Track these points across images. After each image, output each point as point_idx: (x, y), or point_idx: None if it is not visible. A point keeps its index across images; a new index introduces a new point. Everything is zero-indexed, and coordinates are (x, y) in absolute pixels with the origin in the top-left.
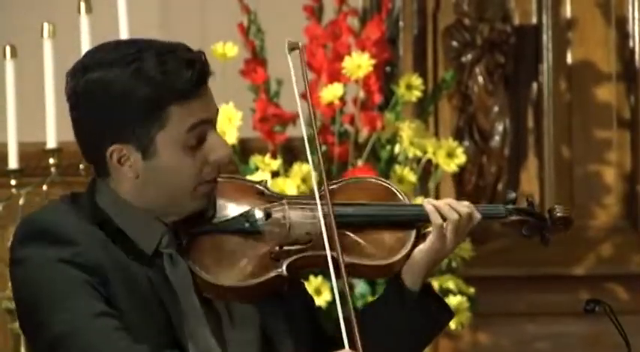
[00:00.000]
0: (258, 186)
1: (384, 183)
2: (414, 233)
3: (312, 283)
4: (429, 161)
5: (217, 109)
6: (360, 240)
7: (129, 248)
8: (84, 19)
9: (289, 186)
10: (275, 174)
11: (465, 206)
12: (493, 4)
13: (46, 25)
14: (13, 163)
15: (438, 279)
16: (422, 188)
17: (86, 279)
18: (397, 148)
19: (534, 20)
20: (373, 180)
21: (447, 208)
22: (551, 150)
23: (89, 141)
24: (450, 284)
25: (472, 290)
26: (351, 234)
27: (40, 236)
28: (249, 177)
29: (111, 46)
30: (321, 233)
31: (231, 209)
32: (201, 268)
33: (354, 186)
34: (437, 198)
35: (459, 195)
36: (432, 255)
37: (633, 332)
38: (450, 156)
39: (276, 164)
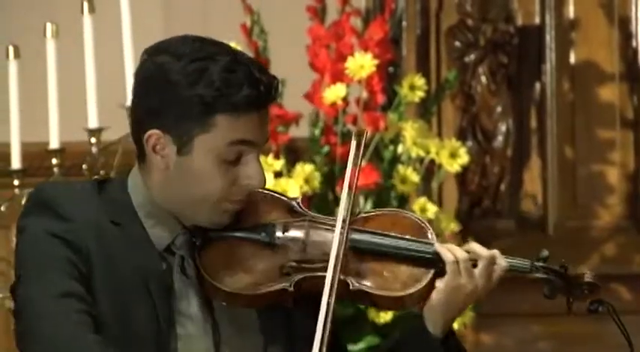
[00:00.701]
0: (289, 201)
1: (418, 220)
2: (431, 272)
3: None
4: (432, 161)
5: (267, 138)
6: (375, 269)
7: (137, 237)
8: (87, 19)
9: (292, 186)
10: (278, 175)
11: (485, 249)
12: (496, 4)
13: (48, 25)
14: (15, 163)
15: None
16: (425, 188)
17: (68, 257)
18: (400, 148)
19: (537, 20)
20: (406, 214)
21: (458, 248)
22: (555, 150)
23: (136, 120)
24: None
25: None
26: (367, 262)
27: (41, 207)
28: None
29: (191, 39)
30: (337, 255)
31: (254, 219)
32: (209, 270)
33: (386, 217)
34: (440, 197)
35: (462, 195)
36: (449, 294)
37: (636, 332)
38: (453, 157)
39: (279, 164)
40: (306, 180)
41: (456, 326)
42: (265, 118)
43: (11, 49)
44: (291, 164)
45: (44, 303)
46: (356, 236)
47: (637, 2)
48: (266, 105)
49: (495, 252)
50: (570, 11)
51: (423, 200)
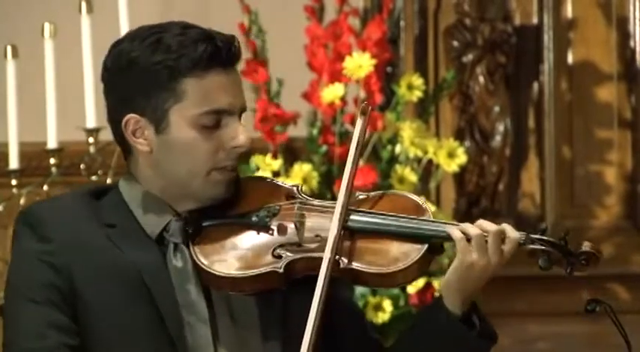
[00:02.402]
0: (289, 188)
1: (413, 198)
2: (424, 247)
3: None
4: (430, 161)
5: (244, 105)
6: (366, 248)
7: (131, 231)
8: (85, 19)
9: None
10: (276, 174)
11: (494, 225)
12: (494, 4)
13: (47, 25)
14: (13, 163)
15: (439, 279)
16: (423, 188)
17: (50, 280)
18: (398, 148)
19: (535, 20)
20: (402, 193)
21: (468, 225)
22: (552, 150)
23: (111, 116)
24: None
25: None
26: (359, 241)
27: (25, 229)
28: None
29: (142, 27)
30: (334, 236)
31: (249, 205)
32: (201, 255)
33: (383, 198)
34: (437, 197)
35: (460, 195)
36: (462, 271)
37: (634, 331)
38: (451, 156)
39: (277, 164)
40: (304, 180)
41: None
42: (235, 81)
43: (9, 48)
44: (289, 164)
45: (27, 340)
46: (352, 216)
47: (635, 2)
48: (229, 62)
49: (505, 226)
50: (568, 11)
51: None
